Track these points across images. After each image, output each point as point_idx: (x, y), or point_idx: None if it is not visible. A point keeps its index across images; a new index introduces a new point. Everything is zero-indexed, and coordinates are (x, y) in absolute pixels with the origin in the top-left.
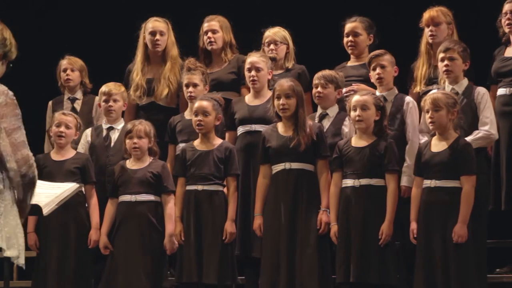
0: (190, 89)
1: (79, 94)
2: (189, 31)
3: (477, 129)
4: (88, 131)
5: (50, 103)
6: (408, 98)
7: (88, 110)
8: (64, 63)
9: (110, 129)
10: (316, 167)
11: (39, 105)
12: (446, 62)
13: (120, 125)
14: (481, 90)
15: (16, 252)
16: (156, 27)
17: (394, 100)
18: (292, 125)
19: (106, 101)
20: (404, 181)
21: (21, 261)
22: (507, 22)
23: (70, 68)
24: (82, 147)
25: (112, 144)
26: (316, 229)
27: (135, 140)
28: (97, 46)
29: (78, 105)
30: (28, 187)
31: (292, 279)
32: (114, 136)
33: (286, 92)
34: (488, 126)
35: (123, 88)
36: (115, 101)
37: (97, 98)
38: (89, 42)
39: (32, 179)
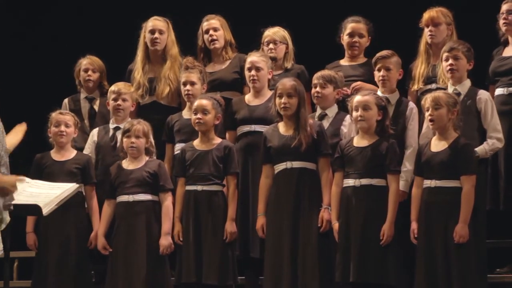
0: (188, 87)
1: (96, 95)
2: (190, 31)
3: (477, 131)
4: (95, 131)
5: (65, 100)
6: (412, 104)
7: (106, 111)
8: (84, 62)
9: (117, 129)
10: (317, 165)
11: (52, 103)
12: (450, 61)
13: None
14: (483, 96)
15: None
16: (155, 26)
17: (397, 103)
18: (293, 124)
19: (115, 99)
20: (401, 186)
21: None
22: (503, 22)
23: (92, 68)
24: (89, 147)
25: (118, 144)
26: (318, 227)
27: (133, 139)
28: (99, 46)
29: (96, 106)
30: None
31: (295, 278)
32: (121, 136)
33: (288, 91)
34: (501, 134)
35: (132, 89)
36: (124, 100)
37: None
38: (93, 41)
39: None
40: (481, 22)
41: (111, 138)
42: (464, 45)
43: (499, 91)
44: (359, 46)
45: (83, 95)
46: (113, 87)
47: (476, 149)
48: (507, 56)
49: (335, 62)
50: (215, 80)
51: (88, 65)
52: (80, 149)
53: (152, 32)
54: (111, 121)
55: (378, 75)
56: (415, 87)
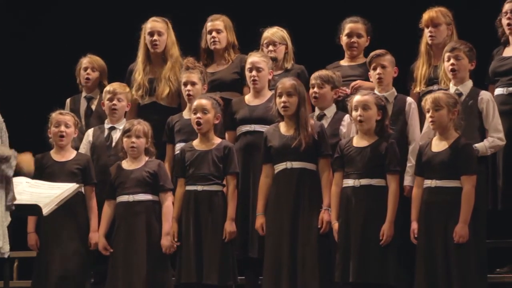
0: (188, 87)
1: (96, 94)
2: (190, 31)
3: (478, 131)
4: (90, 131)
5: (68, 100)
6: (410, 99)
7: (102, 110)
8: (85, 61)
9: (112, 129)
10: (317, 166)
11: (56, 103)
12: (452, 61)
13: (122, 125)
14: (485, 96)
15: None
16: (154, 27)
17: (395, 101)
18: (294, 124)
19: (110, 99)
20: (407, 181)
21: (7, 249)
22: (507, 21)
23: (91, 67)
24: (84, 147)
25: (113, 144)
26: (318, 228)
27: (133, 139)
28: (102, 46)
29: (94, 105)
30: None
31: (294, 278)
32: (116, 136)
33: (287, 90)
34: (502, 134)
35: (127, 89)
36: (119, 100)
37: None
38: (93, 42)
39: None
40: (480, 22)
41: (107, 138)
42: (466, 45)
43: (498, 91)
44: (357, 47)
45: (83, 94)
46: (108, 87)
47: (476, 145)
48: (507, 56)
49: (335, 63)
50: (215, 80)
51: (87, 64)
52: (76, 148)
53: (151, 34)
54: (106, 121)
55: (374, 73)
56: (417, 89)
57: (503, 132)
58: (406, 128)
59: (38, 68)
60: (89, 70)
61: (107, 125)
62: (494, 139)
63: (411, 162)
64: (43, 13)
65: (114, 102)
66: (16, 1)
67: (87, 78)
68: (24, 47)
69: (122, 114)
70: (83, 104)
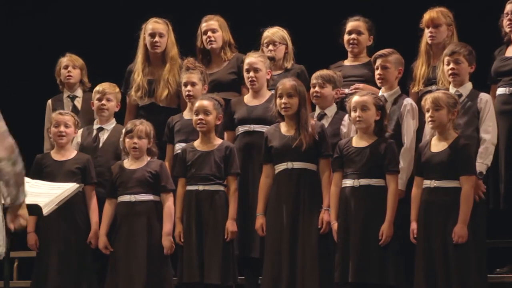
0: (189, 88)
1: (78, 92)
2: (190, 31)
3: (477, 131)
4: (79, 132)
5: (49, 101)
6: (407, 100)
7: (89, 107)
8: (64, 60)
9: (100, 129)
10: (318, 166)
11: (37, 104)
12: (452, 65)
13: (110, 126)
14: (484, 97)
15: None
16: (155, 29)
17: (394, 101)
18: (294, 124)
19: (100, 99)
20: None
21: (2, 250)
22: (508, 22)
23: (72, 65)
24: (73, 148)
25: (101, 145)
26: (318, 228)
27: (135, 140)
28: (96, 45)
29: (78, 103)
30: (21, 178)
31: (294, 279)
32: (103, 137)
33: (288, 91)
34: (490, 135)
35: (117, 89)
36: (108, 100)
37: None
38: (88, 42)
39: (23, 168)
40: (481, 22)
41: (94, 139)
42: (465, 48)
43: (500, 90)
44: (357, 44)
45: (65, 94)
46: (98, 87)
47: (477, 170)
48: (510, 56)
49: (338, 62)
50: (212, 81)
51: (68, 62)
52: None
53: (153, 35)
54: (95, 121)
55: (376, 73)
56: (416, 88)
57: (492, 134)
58: (401, 130)
59: (19, 68)
60: (70, 68)
61: (95, 126)
62: (485, 148)
63: (400, 164)
64: (36, 12)
65: (103, 102)
66: (5, 1)
67: (69, 76)
68: (18, 47)
69: (111, 114)
70: (67, 104)
